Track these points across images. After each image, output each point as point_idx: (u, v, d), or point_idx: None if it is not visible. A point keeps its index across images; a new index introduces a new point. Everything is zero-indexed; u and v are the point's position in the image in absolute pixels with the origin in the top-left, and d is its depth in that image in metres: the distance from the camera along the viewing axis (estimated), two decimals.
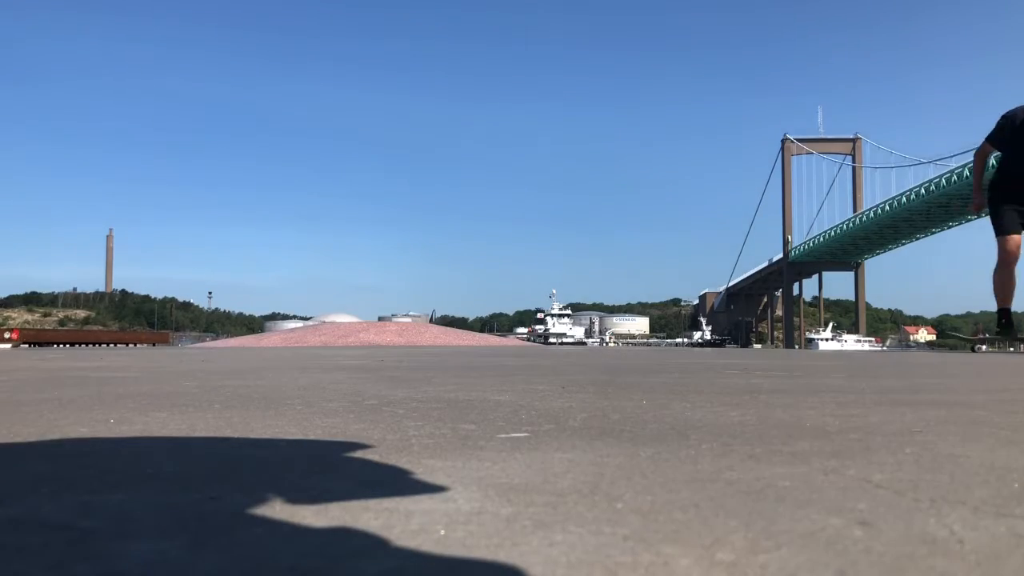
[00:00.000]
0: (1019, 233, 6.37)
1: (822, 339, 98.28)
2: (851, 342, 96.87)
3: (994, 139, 6.82)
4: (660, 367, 5.57)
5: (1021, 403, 2.77)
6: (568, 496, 1.16)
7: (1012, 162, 6.69)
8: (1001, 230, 6.35)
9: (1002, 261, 6.47)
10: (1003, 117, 6.73)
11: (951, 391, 3.33)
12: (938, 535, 0.93)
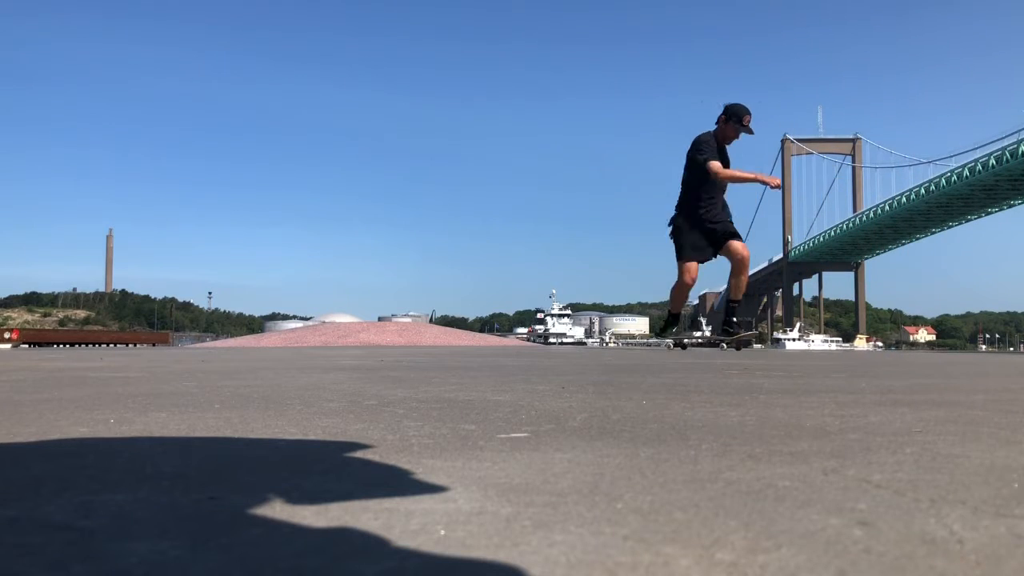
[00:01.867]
0: (696, 261, 7.81)
1: (789, 339, 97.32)
2: (818, 342, 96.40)
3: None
4: (660, 367, 5.57)
5: (1021, 403, 2.77)
6: (568, 496, 1.16)
7: (697, 189, 7.99)
8: (682, 258, 7.82)
9: (680, 281, 7.96)
10: (706, 139, 7.76)
11: (951, 391, 3.33)
12: (938, 535, 0.93)
